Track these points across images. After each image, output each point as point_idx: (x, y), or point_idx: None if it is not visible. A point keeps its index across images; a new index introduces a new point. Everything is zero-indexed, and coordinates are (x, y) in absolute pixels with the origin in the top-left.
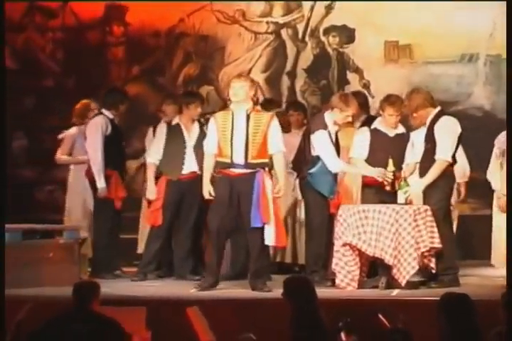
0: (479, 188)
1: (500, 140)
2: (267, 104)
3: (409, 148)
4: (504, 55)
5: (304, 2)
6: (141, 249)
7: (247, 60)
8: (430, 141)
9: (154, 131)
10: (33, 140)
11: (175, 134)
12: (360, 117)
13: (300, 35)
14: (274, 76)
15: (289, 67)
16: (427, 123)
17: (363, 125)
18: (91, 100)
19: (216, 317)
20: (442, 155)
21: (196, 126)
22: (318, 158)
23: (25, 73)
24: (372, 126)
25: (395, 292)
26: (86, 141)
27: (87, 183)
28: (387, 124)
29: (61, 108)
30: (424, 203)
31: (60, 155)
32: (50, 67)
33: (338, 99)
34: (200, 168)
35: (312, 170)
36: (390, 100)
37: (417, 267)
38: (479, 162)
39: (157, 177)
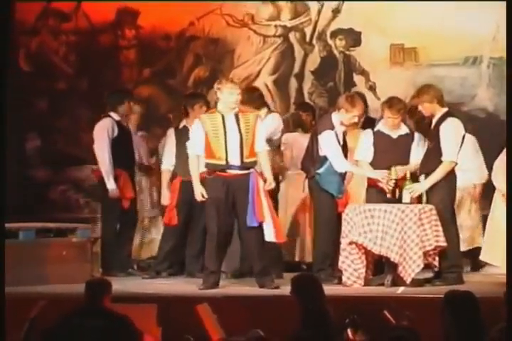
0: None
1: None
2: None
3: (415, 148)
4: None
5: (311, 6)
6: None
7: (256, 63)
8: (434, 140)
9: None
10: (46, 141)
11: (184, 137)
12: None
13: (307, 38)
14: (282, 78)
15: (296, 69)
16: (433, 122)
17: (362, 126)
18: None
19: (226, 314)
20: (449, 157)
21: None
22: (325, 158)
23: (38, 75)
24: (376, 129)
25: (401, 289)
26: (94, 145)
27: None
28: (389, 126)
29: (74, 110)
30: (429, 202)
31: None
32: (63, 70)
33: (345, 100)
34: None
35: (320, 171)
36: (389, 103)
37: (422, 265)
38: None
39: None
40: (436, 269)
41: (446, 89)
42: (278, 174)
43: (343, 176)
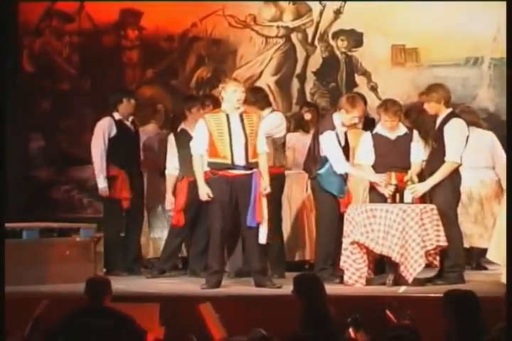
0: None
1: None
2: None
3: (414, 147)
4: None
5: (313, 7)
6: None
7: (258, 63)
8: (438, 140)
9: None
10: (49, 141)
11: (184, 139)
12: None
13: (309, 39)
14: (284, 79)
15: (298, 70)
16: (437, 122)
17: (363, 127)
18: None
19: (228, 313)
20: (452, 157)
21: None
22: (326, 159)
23: (42, 76)
24: (374, 131)
25: (402, 289)
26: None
27: None
28: (387, 128)
29: (77, 110)
30: (433, 202)
31: None
32: (66, 70)
33: (345, 101)
34: None
35: (321, 171)
36: (385, 106)
37: (424, 264)
38: None
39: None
40: (437, 269)
41: None
42: (284, 174)
43: (344, 176)
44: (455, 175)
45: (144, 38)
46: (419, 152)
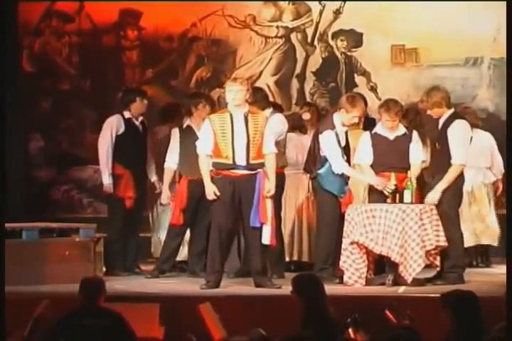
0: None
1: None
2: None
3: (413, 147)
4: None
5: (313, 7)
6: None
7: (258, 63)
8: (441, 142)
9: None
10: (49, 141)
11: (188, 136)
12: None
13: (309, 39)
14: (283, 79)
15: (298, 70)
16: (440, 124)
17: (364, 128)
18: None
19: (228, 313)
20: (458, 160)
21: None
22: (326, 159)
23: (42, 76)
24: (373, 131)
25: (402, 289)
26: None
27: None
28: (387, 128)
29: (77, 110)
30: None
31: None
32: (66, 71)
33: (345, 101)
34: None
35: (321, 171)
36: (385, 106)
37: (423, 265)
38: None
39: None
40: (437, 269)
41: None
42: (284, 174)
43: (345, 176)
44: (458, 176)
45: (143, 38)
46: (418, 152)
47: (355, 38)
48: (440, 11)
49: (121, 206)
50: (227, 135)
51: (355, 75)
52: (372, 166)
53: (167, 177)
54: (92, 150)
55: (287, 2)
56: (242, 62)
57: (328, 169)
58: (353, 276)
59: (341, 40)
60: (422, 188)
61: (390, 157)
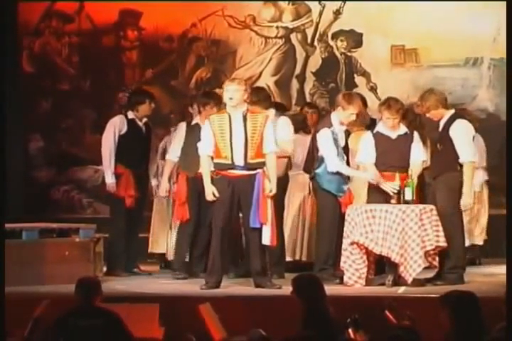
0: None
1: None
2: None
3: (415, 147)
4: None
5: (313, 7)
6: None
7: (258, 64)
8: (443, 142)
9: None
10: (49, 141)
11: (194, 133)
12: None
13: (309, 40)
14: (283, 79)
15: (298, 70)
16: (441, 124)
17: (367, 128)
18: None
19: (228, 314)
20: (467, 158)
21: None
22: (323, 158)
23: (41, 76)
24: (375, 130)
25: (402, 289)
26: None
27: None
28: (388, 127)
29: (77, 110)
30: (436, 203)
31: None
32: (66, 71)
33: (341, 98)
34: None
35: (318, 170)
36: (386, 104)
37: (423, 265)
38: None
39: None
40: (436, 269)
41: (446, 90)
42: (287, 175)
43: (344, 175)
44: (457, 174)
45: (143, 38)
46: (419, 152)
47: (355, 39)
48: (440, 11)
49: (122, 205)
50: (226, 135)
51: (355, 76)
52: (374, 165)
53: (167, 170)
54: (92, 150)
55: (287, 2)
56: (242, 62)
57: (325, 168)
58: (353, 276)
59: (341, 41)
60: (423, 189)
61: (392, 156)
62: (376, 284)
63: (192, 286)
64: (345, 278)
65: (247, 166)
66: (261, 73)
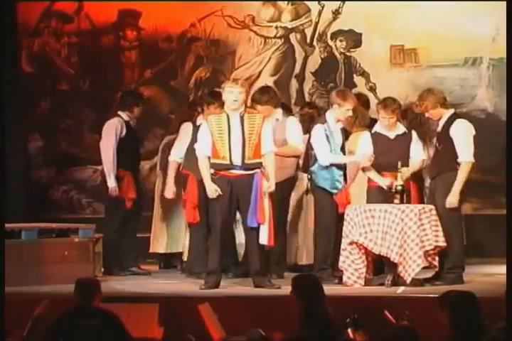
0: (480, 188)
1: None
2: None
3: (414, 146)
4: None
5: (312, 7)
6: (153, 247)
7: (257, 64)
8: (443, 142)
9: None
10: (48, 141)
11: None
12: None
13: (308, 40)
14: (283, 79)
15: (297, 70)
16: (440, 124)
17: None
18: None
19: (227, 314)
20: (466, 157)
21: None
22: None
23: (41, 76)
24: (373, 130)
25: (401, 289)
26: (100, 142)
27: None
28: (385, 126)
29: (76, 110)
30: (435, 203)
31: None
32: (65, 71)
33: (336, 95)
34: None
35: (313, 168)
36: (384, 103)
37: (422, 265)
38: (481, 163)
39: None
40: (436, 269)
41: (446, 90)
42: (294, 176)
43: (338, 172)
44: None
45: (142, 38)
46: (418, 151)
47: (354, 39)
48: (439, 11)
49: (121, 207)
50: (224, 135)
51: (354, 75)
52: (372, 165)
53: (172, 171)
54: (91, 150)
55: (286, 2)
56: (241, 62)
57: (320, 165)
58: (352, 276)
59: (340, 41)
60: (422, 189)
61: (390, 155)
62: (375, 284)
63: (191, 286)
64: (344, 278)
65: (245, 166)
66: (260, 73)
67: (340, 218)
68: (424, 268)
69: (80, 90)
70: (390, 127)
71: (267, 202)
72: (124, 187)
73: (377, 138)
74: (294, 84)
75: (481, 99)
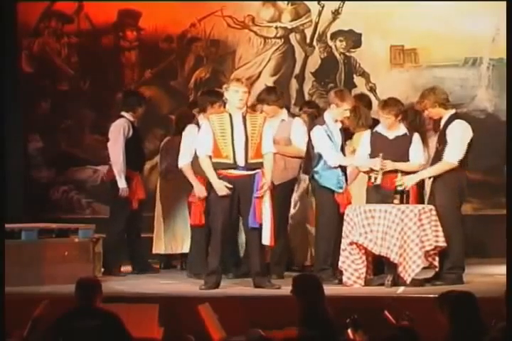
0: (480, 188)
1: None
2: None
3: (414, 148)
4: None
5: (312, 8)
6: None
7: (257, 64)
8: (442, 142)
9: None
10: (48, 142)
11: None
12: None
13: (308, 40)
14: (282, 79)
15: (297, 70)
16: (441, 125)
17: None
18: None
19: (227, 314)
20: (449, 158)
21: None
22: (320, 155)
23: (41, 77)
24: (374, 130)
25: (401, 289)
26: (108, 143)
27: None
28: (385, 126)
29: (76, 111)
30: (436, 203)
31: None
32: (65, 71)
33: (334, 96)
34: None
35: (316, 168)
36: (383, 103)
37: (422, 265)
38: (481, 163)
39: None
40: (436, 269)
41: (446, 90)
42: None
43: (342, 171)
44: (461, 176)
45: (142, 38)
46: (418, 155)
47: (354, 39)
48: (439, 11)
49: (127, 207)
50: (227, 135)
51: (354, 76)
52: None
53: (189, 174)
54: (91, 150)
55: (286, 3)
56: (241, 62)
57: (323, 165)
58: (352, 277)
59: (340, 41)
60: (422, 189)
61: (387, 156)
62: (375, 284)
63: (191, 286)
64: (344, 279)
65: (247, 166)
66: (260, 73)
67: (341, 218)
68: (424, 268)
69: (80, 90)
70: (389, 127)
71: (267, 202)
72: (134, 188)
73: (376, 138)
74: (293, 84)
75: (481, 99)
